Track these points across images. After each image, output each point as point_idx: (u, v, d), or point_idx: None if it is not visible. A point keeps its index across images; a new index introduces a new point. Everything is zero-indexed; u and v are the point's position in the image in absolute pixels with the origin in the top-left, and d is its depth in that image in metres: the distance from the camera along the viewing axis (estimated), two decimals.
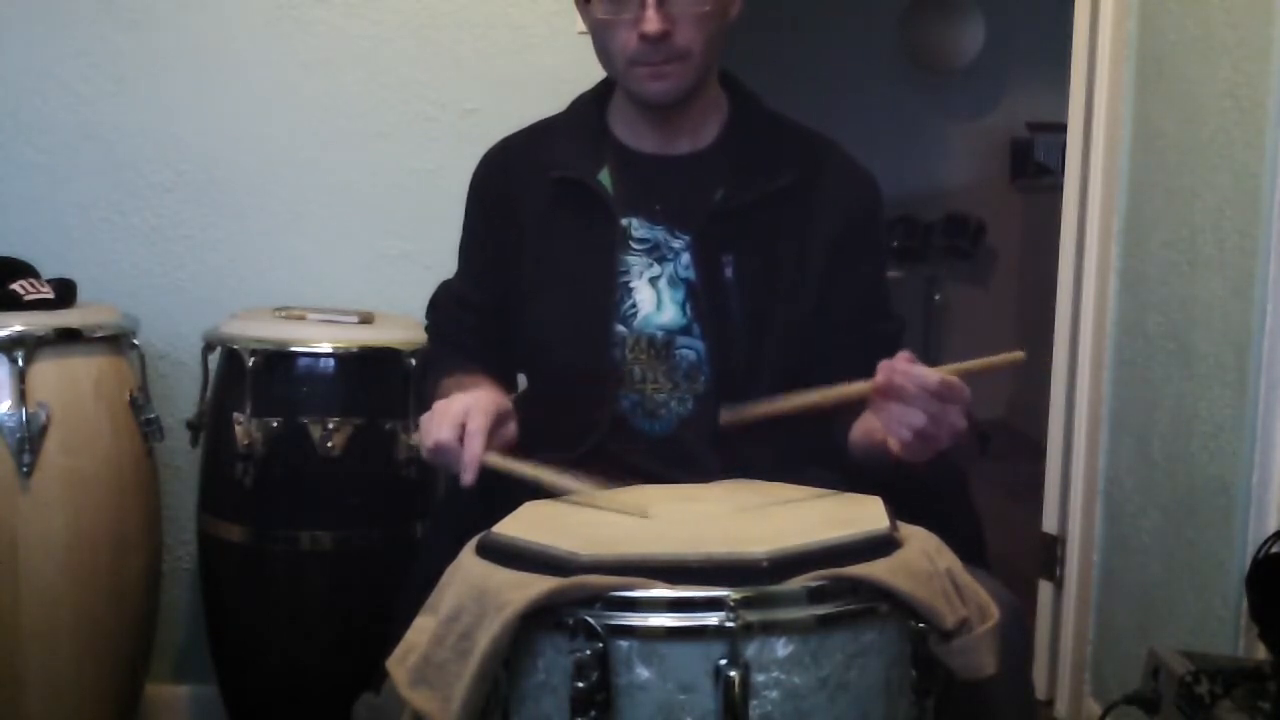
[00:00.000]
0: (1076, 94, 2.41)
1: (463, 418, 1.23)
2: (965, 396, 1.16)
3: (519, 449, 1.39)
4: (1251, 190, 1.76)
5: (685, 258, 1.43)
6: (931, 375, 1.15)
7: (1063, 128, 2.51)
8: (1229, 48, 1.86)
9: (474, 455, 1.22)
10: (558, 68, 2.24)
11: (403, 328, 2.03)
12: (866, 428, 1.30)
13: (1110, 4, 2.28)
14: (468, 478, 1.22)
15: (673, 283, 1.43)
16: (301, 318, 2.03)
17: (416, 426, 1.28)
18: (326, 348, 1.93)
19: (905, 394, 1.16)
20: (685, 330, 1.43)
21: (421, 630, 1.01)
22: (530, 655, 0.94)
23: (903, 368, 1.17)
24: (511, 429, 1.30)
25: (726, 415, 1.26)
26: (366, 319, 2.03)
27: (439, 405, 1.27)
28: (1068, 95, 2.44)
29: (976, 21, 5.76)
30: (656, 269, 1.44)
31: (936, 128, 5.94)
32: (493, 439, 1.25)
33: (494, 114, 2.24)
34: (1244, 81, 1.80)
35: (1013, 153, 5.96)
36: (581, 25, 2.19)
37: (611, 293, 1.43)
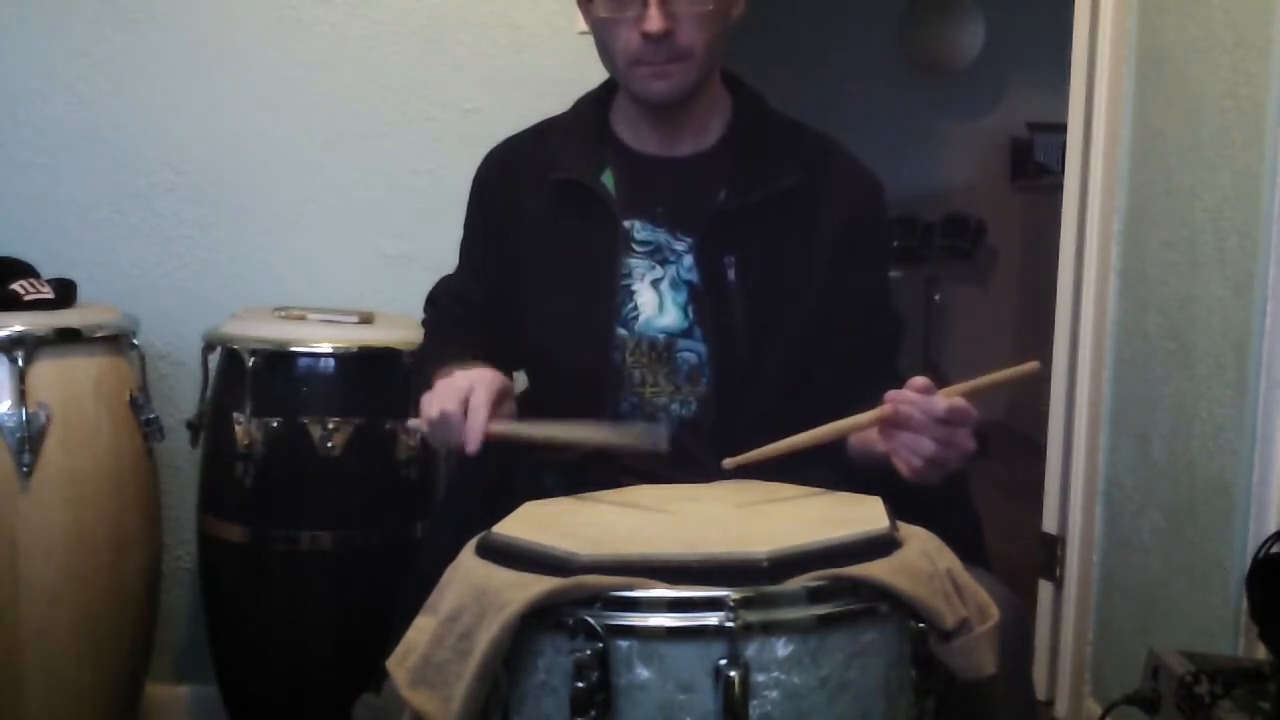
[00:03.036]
0: (1076, 94, 2.41)
1: (466, 392, 1.24)
2: (973, 418, 1.15)
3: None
4: (1251, 190, 1.76)
5: (688, 260, 1.43)
6: (939, 403, 1.14)
7: (1063, 128, 2.51)
8: (1229, 48, 1.86)
9: (478, 424, 1.22)
10: (558, 68, 2.24)
11: (402, 328, 2.03)
12: (866, 438, 1.28)
13: (1110, 4, 2.28)
14: (471, 447, 1.22)
15: (675, 285, 1.43)
16: (301, 318, 2.03)
17: (416, 412, 1.28)
18: (326, 348, 1.93)
19: (913, 423, 1.15)
20: (686, 333, 1.42)
21: (421, 630, 1.01)
22: (530, 655, 0.94)
23: (910, 397, 1.15)
24: (511, 406, 1.31)
25: (729, 463, 1.25)
26: (366, 319, 2.03)
27: (441, 381, 1.28)
28: (1068, 95, 2.44)
29: (976, 21, 5.76)
30: (659, 271, 1.43)
31: (936, 128, 5.94)
32: (495, 412, 1.25)
33: (494, 114, 2.24)
34: (1244, 81, 1.80)
35: (1013, 153, 5.96)
36: (582, 25, 2.20)
37: (613, 295, 1.42)
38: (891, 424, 1.17)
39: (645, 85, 1.38)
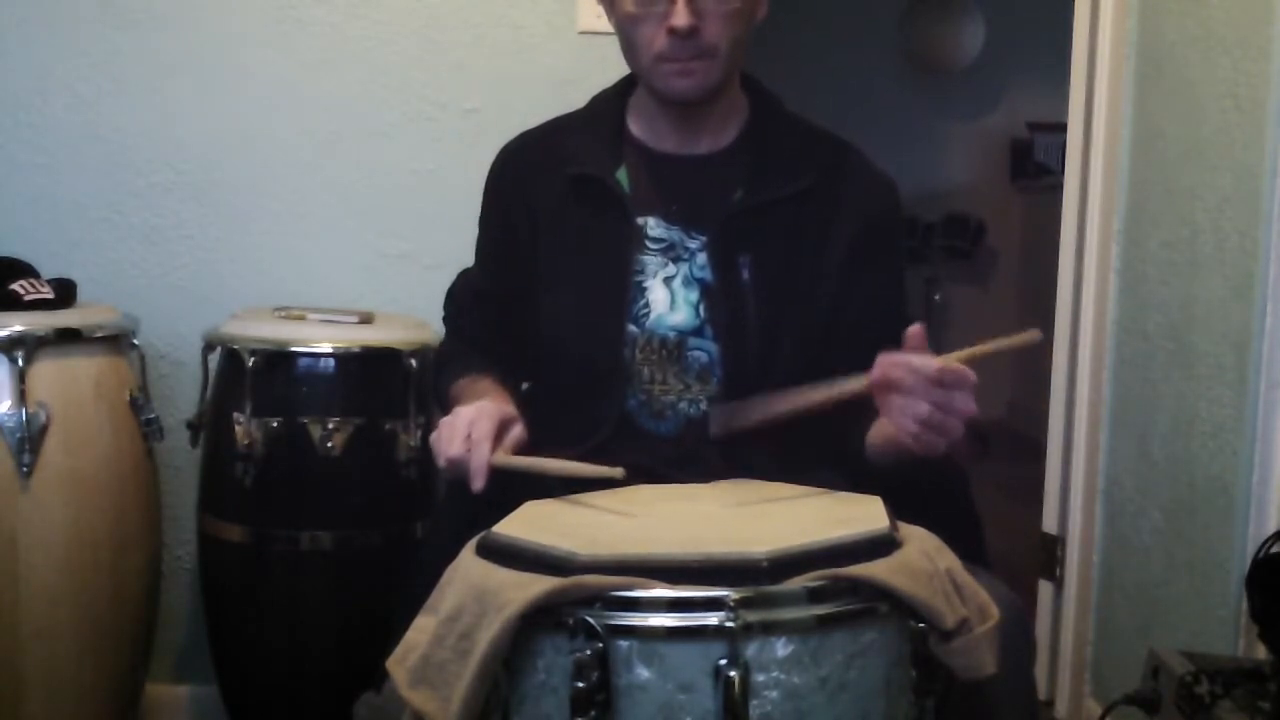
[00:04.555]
0: (1076, 94, 2.41)
1: (467, 429, 1.25)
2: (970, 381, 1.13)
3: (528, 447, 1.39)
4: (1251, 190, 1.76)
5: (701, 258, 1.42)
6: (930, 362, 1.13)
7: (1063, 128, 2.51)
8: (1229, 48, 1.86)
9: (480, 462, 1.23)
10: (558, 68, 2.24)
11: (403, 328, 2.03)
12: (885, 430, 1.27)
13: (1110, 4, 2.28)
14: (477, 484, 1.23)
15: (687, 283, 1.43)
16: (301, 318, 2.03)
17: (418, 427, 1.29)
18: (326, 348, 1.93)
19: (904, 385, 1.14)
20: (697, 331, 1.42)
21: (421, 630, 1.01)
22: (530, 655, 0.94)
23: (898, 359, 1.15)
24: (518, 431, 1.31)
25: (716, 427, 1.24)
26: (366, 319, 2.03)
27: (444, 422, 1.29)
28: (1068, 95, 2.44)
29: (976, 21, 5.76)
30: (672, 269, 1.43)
31: (936, 128, 5.94)
32: (499, 443, 1.26)
33: (494, 114, 2.24)
34: (1244, 81, 1.80)
35: (1013, 153, 5.96)
36: (582, 25, 2.22)
37: (625, 291, 1.42)
38: (883, 387, 1.16)
39: (669, 82, 1.38)
